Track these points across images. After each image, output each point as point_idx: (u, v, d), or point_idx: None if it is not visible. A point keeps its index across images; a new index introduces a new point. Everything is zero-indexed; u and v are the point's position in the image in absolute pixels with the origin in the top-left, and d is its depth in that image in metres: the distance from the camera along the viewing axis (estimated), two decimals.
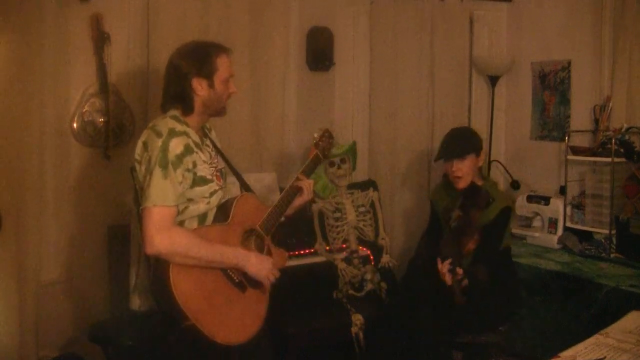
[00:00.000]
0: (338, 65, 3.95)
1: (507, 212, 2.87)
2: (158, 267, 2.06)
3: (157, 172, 2.02)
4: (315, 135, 2.70)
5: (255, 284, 2.26)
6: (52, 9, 3.02)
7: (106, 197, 3.24)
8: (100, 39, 3.13)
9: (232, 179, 2.54)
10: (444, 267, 2.53)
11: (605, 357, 1.80)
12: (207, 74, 2.17)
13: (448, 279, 2.50)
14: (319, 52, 3.86)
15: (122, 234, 3.11)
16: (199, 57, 2.18)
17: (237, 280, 2.19)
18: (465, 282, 2.50)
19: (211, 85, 2.19)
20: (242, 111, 3.57)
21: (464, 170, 2.87)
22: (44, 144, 3.06)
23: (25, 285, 2.99)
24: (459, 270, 2.49)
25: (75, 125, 3.15)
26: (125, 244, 3.07)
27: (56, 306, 3.16)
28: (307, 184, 2.49)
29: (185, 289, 2.01)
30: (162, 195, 2.01)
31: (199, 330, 2.02)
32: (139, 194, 2.16)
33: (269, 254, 2.35)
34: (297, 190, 2.46)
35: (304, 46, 3.85)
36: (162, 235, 1.99)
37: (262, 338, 2.36)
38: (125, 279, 3.05)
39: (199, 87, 2.17)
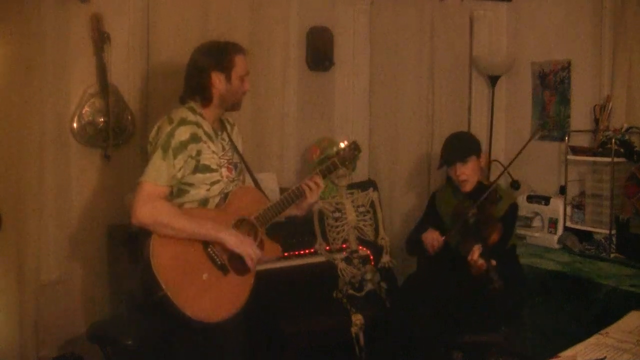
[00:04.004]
0: (338, 65, 3.95)
1: (515, 209, 2.94)
2: (145, 236, 2.16)
3: (158, 153, 2.17)
4: (342, 145, 2.61)
5: (240, 270, 2.29)
6: (52, 9, 3.02)
7: (106, 197, 3.24)
8: (100, 39, 3.13)
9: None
10: (474, 254, 2.54)
11: (605, 357, 1.80)
12: (225, 69, 2.31)
13: (481, 264, 2.52)
14: (319, 52, 3.86)
15: (122, 234, 3.11)
16: (218, 53, 2.33)
17: (219, 263, 2.25)
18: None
19: (228, 80, 2.32)
20: (242, 111, 3.53)
21: (467, 172, 2.92)
22: (44, 144, 3.06)
23: (25, 285, 2.99)
24: (493, 262, 2.52)
25: (75, 125, 3.15)
26: (125, 244, 3.07)
27: (56, 306, 3.16)
28: (313, 186, 2.45)
29: (162, 260, 2.12)
30: (155, 174, 2.16)
31: (171, 302, 2.10)
32: None
33: (261, 245, 2.38)
34: (302, 192, 2.44)
35: (304, 46, 3.85)
36: (145, 207, 2.13)
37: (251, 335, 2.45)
38: (124, 278, 3.05)
39: (217, 81, 2.31)
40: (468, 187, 2.94)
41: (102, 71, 3.15)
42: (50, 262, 3.14)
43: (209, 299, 2.20)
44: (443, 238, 2.90)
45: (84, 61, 3.15)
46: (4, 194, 2.90)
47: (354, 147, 2.60)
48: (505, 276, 2.69)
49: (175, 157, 2.17)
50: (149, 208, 2.13)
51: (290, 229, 3.29)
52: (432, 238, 2.93)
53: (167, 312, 2.14)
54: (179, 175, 2.20)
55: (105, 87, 3.16)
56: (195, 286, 2.18)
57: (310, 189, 2.45)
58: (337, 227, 3.36)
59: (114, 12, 3.20)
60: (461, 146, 2.98)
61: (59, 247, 3.17)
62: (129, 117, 3.26)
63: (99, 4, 3.15)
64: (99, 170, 3.23)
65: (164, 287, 2.09)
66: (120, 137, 3.24)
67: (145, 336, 2.69)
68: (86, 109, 3.16)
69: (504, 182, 4.06)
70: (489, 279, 2.51)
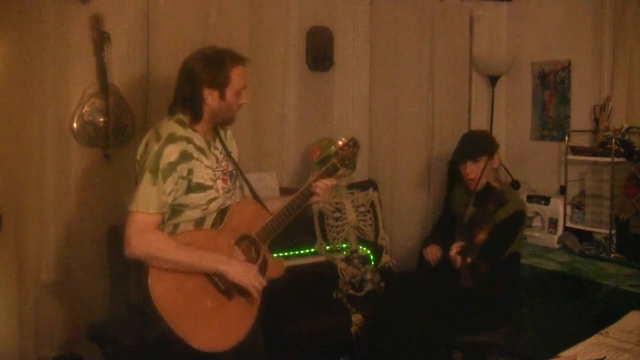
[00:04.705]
0: (338, 65, 3.95)
1: (520, 216, 2.90)
2: (142, 265, 2.06)
3: (147, 177, 2.03)
4: (340, 142, 2.41)
5: (244, 292, 2.18)
6: (52, 9, 3.02)
7: (106, 197, 3.24)
8: (100, 39, 3.13)
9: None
10: (453, 249, 2.59)
11: (605, 357, 1.80)
12: (219, 85, 2.13)
13: (457, 260, 2.55)
14: (319, 52, 3.86)
15: (122, 234, 3.10)
16: (214, 67, 2.13)
17: (223, 287, 2.13)
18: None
19: (222, 97, 2.15)
20: (242, 111, 3.52)
21: (476, 172, 2.90)
22: (44, 144, 3.06)
23: (25, 285, 2.99)
24: (468, 259, 2.54)
25: (75, 125, 3.15)
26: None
27: (56, 306, 3.16)
28: (323, 187, 2.33)
29: (162, 290, 2.01)
30: (145, 202, 2.03)
31: (175, 335, 1.99)
32: None
33: (264, 262, 2.28)
34: (309, 197, 2.33)
35: (304, 46, 3.85)
36: (138, 240, 2.01)
37: (257, 341, 2.35)
38: (125, 278, 3.06)
39: (209, 97, 2.14)
40: (475, 186, 2.91)
41: (102, 71, 3.15)
42: (50, 262, 3.14)
43: (216, 327, 2.10)
44: (441, 251, 2.95)
45: (84, 61, 3.14)
46: (4, 194, 2.90)
47: (353, 145, 2.39)
48: (497, 280, 2.72)
49: (164, 180, 2.03)
50: (142, 241, 2.01)
51: (290, 229, 3.29)
52: (432, 253, 3.00)
53: (169, 345, 2.03)
54: (170, 199, 2.06)
55: (105, 87, 3.16)
56: (200, 315, 2.07)
57: (321, 190, 2.32)
58: (337, 227, 3.37)
59: (114, 12, 3.19)
60: (474, 145, 2.96)
61: (59, 247, 3.17)
62: (129, 117, 3.26)
63: (99, 4, 3.15)
64: (99, 170, 3.23)
65: (166, 319, 1.98)
66: (120, 137, 3.24)
67: (145, 336, 2.70)
68: (86, 109, 3.16)
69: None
70: (458, 275, 2.55)
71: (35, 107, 2.99)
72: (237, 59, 2.17)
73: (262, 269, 2.26)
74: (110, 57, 3.17)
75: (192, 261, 2.06)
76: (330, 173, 2.36)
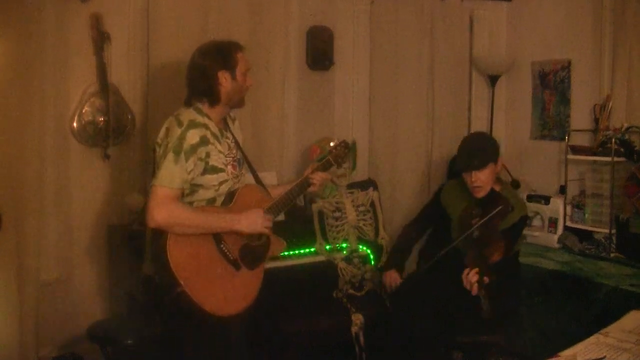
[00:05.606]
0: (338, 65, 3.95)
1: (524, 220, 2.90)
2: (159, 237, 2.25)
3: (170, 156, 2.24)
4: (332, 143, 2.79)
5: (250, 265, 2.41)
6: (52, 9, 3.02)
7: (106, 197, 3.24)
8: (100, 39, 3.13)
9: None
10: (472, 276, 2.48)
11: (605, 356, 1.80)
12: (230, 67, 2.39)
13: (475, 289, 2.46)
14: (319, 51, 3.86)
15: (122, 234, 3.11)
16: (222, 53, 2.40)
17: (232, 258, 2.36)
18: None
19: (234, 77, 2.40)
20: (242, 111, 3.55)
21: (483, 179, 2.80)
22: (44, 144, 3.06)
23: (25, 284, 2.99)
24: (486, 279, 2.47)
25: (75, 125, 3.15)
26: (125, 244, 3.07)
27: (56, 306, 3.16)
28: (319, 179, 2.62)
29: (179, 258, 2.21)
30: (169, 178, 2.23)
31: (189, 298, 2.20)
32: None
33: (268, 241, 2.51)
34: (307, 187, 2.61)
35: (304, 46, 3.85)
36: (160, 210, 2.21)
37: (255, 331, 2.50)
38: (124, 278, 3.06)
39: (224, 79, 2.38)
40: (481, 194, 2.81)
41: (102, 71, 3.15)
42: (50, 262, 3.15)
43: (224, 293, 2.31)
44: (400, 281, 2.96)
45: (84, 61, 3.14)
46: (4, 194, 2.89)
47: (344, 146, 2.75)
48: (500, 283, 2.63)
49: (187, 160, 2.25)
50: (165, 211, 2.21)
51: (290, 228, 3.30)
52: (391, 279, 2.99)
53: (183, 308, 2.23)
54: (190, 177, 2.28)
55: (105, 87, 3.16)
56: (211, 282, 2.28)
57: (317, 181, 2.61)
58: (337, 226, 3.37)
59: (114, 11, 3.20)
60: (479, 153, 2.81)
61: (59, 247, 3.17)
62: (129, 117, 3.26)
63: (99, 4, 3.15)
64: (99, 170, 3.23)
65: (182, 283, 2.19)
66: (120, 136, 3.24)
67: (145, 336, 2.70)
68: (86, 109, 3.16)
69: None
70: (479, 306, 2.45)
71: (35, 107, 2.99)
72: (238, 45, 2.46)
73: (266, 247, 2.51)
74: (110, 56, 3.18)
75: (208, 223, 2.29)
76: (325, 167, 2.67)
